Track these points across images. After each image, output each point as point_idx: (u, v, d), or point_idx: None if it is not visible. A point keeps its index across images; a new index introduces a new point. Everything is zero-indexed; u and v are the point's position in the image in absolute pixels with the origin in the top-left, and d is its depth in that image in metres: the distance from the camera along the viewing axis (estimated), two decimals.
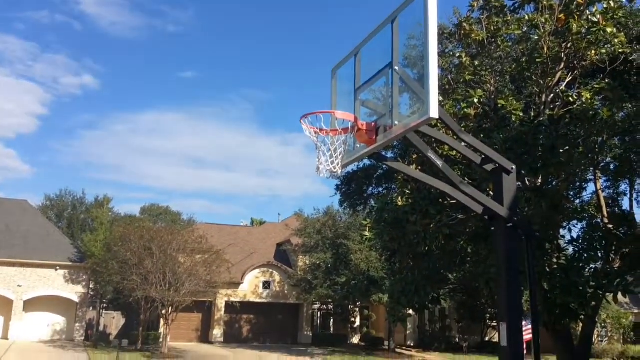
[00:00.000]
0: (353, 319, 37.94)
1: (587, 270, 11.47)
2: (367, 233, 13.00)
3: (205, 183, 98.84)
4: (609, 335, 34.56)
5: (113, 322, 39.92)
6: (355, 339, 37.79)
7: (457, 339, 37.13)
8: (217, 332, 35.77)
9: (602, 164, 12.66)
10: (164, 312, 28.53)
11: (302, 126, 5.91)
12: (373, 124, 5.91)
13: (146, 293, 27.47)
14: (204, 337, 35.90)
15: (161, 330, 30.95)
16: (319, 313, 39.14)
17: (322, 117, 5.91)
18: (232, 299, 35.74)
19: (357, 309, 37.76)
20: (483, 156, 6.62)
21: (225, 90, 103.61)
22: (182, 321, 33.67)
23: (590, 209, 12.91)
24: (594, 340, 18.05)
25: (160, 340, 30.29)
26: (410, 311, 22.81)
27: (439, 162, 6.34)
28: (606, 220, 12.28)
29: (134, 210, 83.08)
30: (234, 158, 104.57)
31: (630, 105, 11.03)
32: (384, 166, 11.92)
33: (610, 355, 23.99)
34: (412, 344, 37.35)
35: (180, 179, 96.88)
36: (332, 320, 39.03)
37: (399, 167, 6.93)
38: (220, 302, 35.81)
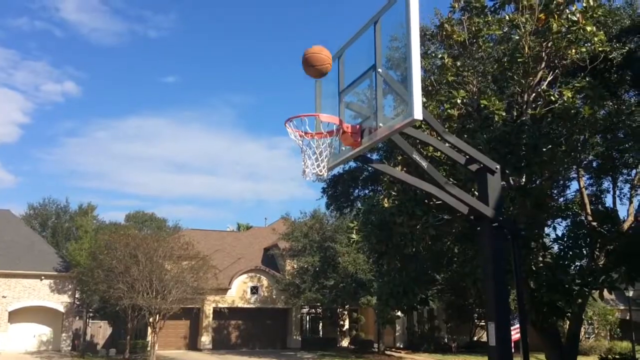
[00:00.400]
0: (342, 322, 37.88)
1: (572, 268, 11.57)
2: (354, 235, 13.01)
3: (190, 188, 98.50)
4: (596, 332, 34.79)
5: (100, 331, 39.52)
6: (345, 342, 37.76)
7: (445, 340, 37.34)
8: (206, 339, 35.56)
9: (585, 162, 12.78)
10: (151, 320, 28.28)
11: (286, 129, 5.91)
12: (358, 126, 5.92)
13: (133, 301, 27.18)
14: (192, 344, 35.66)
15: (149, 338, 30.70)
16: (307, 317, 38.99)
17: (306, 120, 5.90)
18: (220, 305, 35.55)
19: (346, 312, 37.68)
20: (467, 156, 6.66)
21: (208, 95, 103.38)
22: (170, 329, 33.44)
23: (574, 207, 13.03)
24: (581, 337, 18.33)
25: (148, 348, 30.03)
26: (399, 313, 22.89)
27: (424, 163, 6.37)
28: (590, 218, 12.40)
29: (118, 217, 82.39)
30: (219, 163, 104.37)
31: (610, 103, 11.17)
32: (370, 168, 11.94)
33: (597, 352, 24.17)
34: (401, 346, 37.14)
35: (165, 185, 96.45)
36: (321, 323, 38.91)
37: (384, 168, 6.95)
38: (208, 309, 35.60)
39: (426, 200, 10.72)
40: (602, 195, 14.13)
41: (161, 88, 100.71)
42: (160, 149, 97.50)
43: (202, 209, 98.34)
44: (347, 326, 38.20)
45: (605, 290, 11.17)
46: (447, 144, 6.64)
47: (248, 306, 36.89)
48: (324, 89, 6.53)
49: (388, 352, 34.01)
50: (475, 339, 37.17)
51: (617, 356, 12.91)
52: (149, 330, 30.04)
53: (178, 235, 32.82)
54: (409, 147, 6.35)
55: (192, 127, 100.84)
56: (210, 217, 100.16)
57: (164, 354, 31.17)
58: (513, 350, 6.59)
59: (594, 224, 11.98)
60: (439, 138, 6.67)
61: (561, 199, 13.84)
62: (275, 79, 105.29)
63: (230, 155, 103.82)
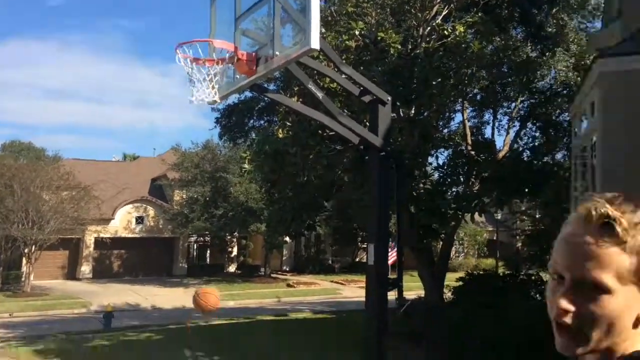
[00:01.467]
0: (230, 249, 38.11)
1: (449, 193, 12.38)
2: (246, 165, 12.97)
3: (74, 117, 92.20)
4: (466, 251, 37.57)
5: None
6: (232, 268, 38.02)
7: (330, 261, 38.86)
8: (85, 268, 34.51)
9: (470, 95, 13.41)
10: (26, 250, 26.95)
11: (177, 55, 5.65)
12: (254, 54, 5.76)
13: (6, 232, 25.73)
14: (71, 274, 34.46)
15: (23, 269, 29.28)
16: (195, 245, 38.71)
17: (199, 47, 5.67)
18: (103, 235, 34.39)
19: (235, 240, 37.86)
20: (361, 88, 6.75)
21: (96, 19, 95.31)
22: (47, 259, 31.94)
23: (457, 138, 13.76)
24: (452, 256, 19.62)
25: (23, 279, 28.73)
26: (287, 238, 23.45)
27: (319, 94, 6.39)
28: (470, 148, 13.21)
29: None
30: (107, 90, 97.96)
31: (499, 39, 11.69)
32: (266, 99, 11.80)
33: (465, 268, 26.67)
34: (287, 269, 38.24)
35: (46, 113, 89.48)
36: (208, 251, 38.86)
37: (279, 99, 6.91)
38: (89, 239, 34.33)
39: (320, 132, 10.84)
40: (483, 127, 15.02)
41: (46, 11, 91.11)
42: (43, 75, 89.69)
43: (87, 138, 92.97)
44: (235, 253, 38.52)
45: (476, 213, 12.12)
46: (343, 76, 6.67)
47: (132, 236, 36.01)
48: (219, 15, 6.24)
49: (274, 275, 34.95)
50: (357, 259, 39.22)
51: (481, 271, 14.41)
52: (24, 261, 28.66)
53: (58, 165, 30.90)
54: (305, 78, 6.32)
55: (78, 51, 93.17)
56: (96, 147, 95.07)
57: (40, 284, 29.94)
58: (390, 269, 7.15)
59: (473, 153, 12.79)
60: (336, 69, 6.69)
61: (445, 130, 14.55)
62: (170, 2, 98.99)
63: (119, 82, 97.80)
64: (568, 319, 1.02)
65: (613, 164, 7.75)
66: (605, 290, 1.00)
